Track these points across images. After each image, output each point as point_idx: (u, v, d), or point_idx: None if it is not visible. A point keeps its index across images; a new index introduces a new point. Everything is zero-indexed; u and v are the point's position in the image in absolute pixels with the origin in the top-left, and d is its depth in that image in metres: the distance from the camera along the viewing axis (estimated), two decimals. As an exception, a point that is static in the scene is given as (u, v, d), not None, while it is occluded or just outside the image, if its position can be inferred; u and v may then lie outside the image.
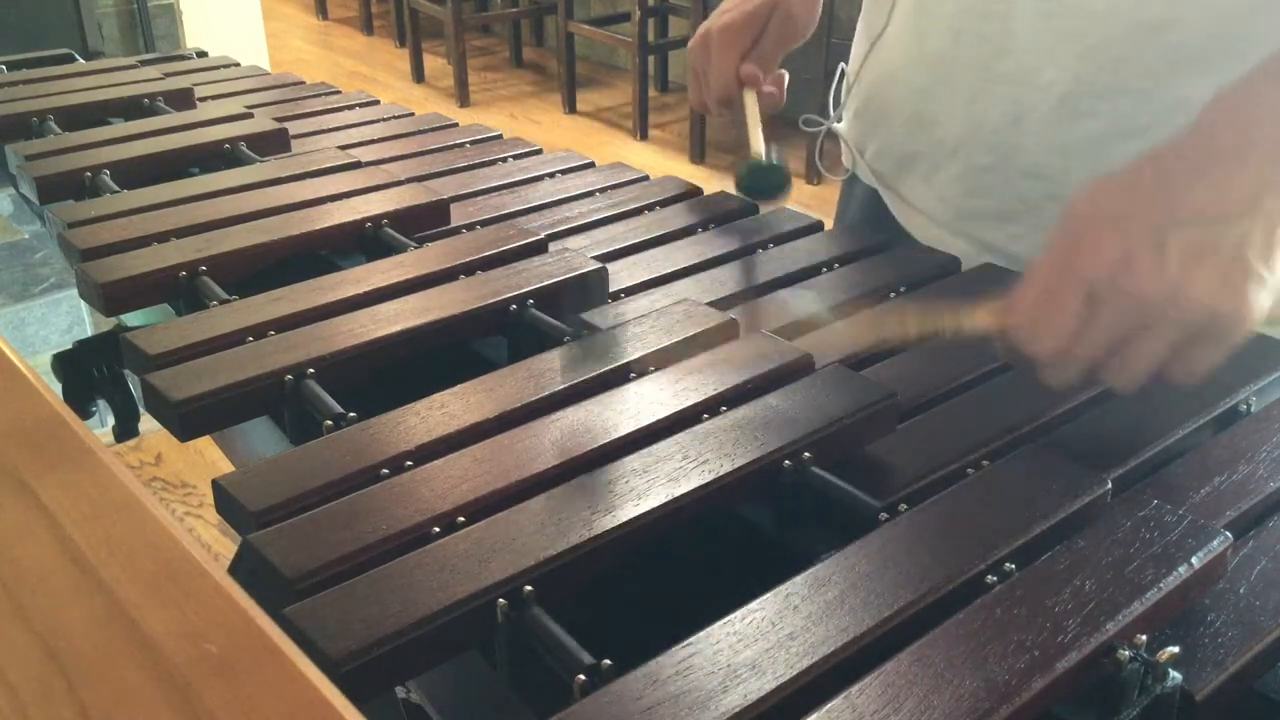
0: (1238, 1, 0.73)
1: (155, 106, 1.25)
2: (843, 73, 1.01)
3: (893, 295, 0.82)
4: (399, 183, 1.00)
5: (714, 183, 1.06)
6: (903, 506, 0.55)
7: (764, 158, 0.95)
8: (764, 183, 0.97)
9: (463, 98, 4.60)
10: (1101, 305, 0.57)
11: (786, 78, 0.99)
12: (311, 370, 0.67)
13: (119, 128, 1.17)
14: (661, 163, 3.93)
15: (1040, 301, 0.59)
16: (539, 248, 0.86)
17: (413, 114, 1.30)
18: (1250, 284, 0.56)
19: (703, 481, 0.55)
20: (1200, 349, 0.58)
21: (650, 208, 1.00)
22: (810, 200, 3.05)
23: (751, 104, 0.95)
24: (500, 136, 1.21)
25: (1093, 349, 0.59)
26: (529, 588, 0.48)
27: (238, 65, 1.53)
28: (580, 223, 0.96)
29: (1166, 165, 0.59)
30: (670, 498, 0.54)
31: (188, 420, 0.65)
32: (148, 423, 0.77)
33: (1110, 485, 0.55)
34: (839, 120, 1.02)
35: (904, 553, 0.50)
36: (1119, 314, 0.57)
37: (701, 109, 1.01)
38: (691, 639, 0.44)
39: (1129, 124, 0.77)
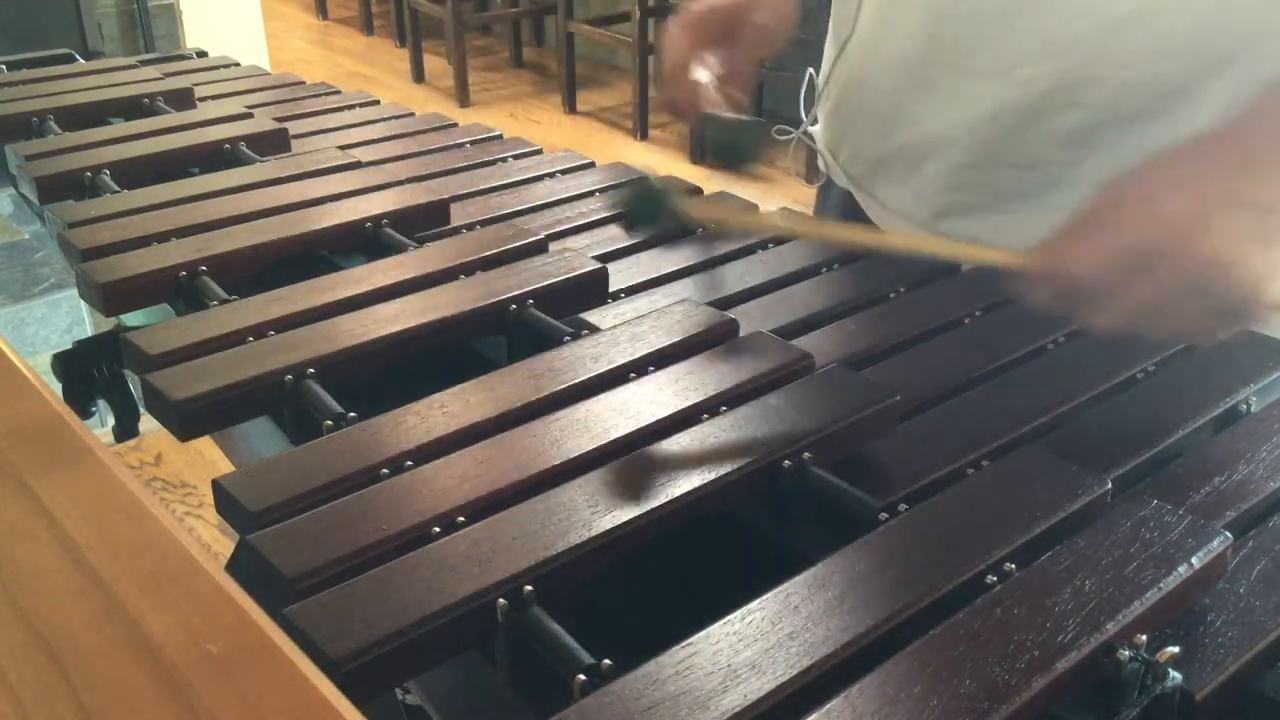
0: None
1: (155, 106, 1.25)
2: (811, 79, 1.01)
3: (892, 295, 0.82)
4: (399, 183, 1.00)
5: (714, 183, 1.06)
6: (903, 506, 0.55)
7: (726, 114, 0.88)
8: (730, 142, 0.90)
9: (463, 98, 4.60)
10: (1153, 266, 0.59)
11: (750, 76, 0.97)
12: (311, 370, 0.67)
13: (119, 128, 1.17)
14: (661, 163, 3.92)
15: (1094, 227, 0.61)
16: (539, 248, 0.86)
17: (413, 114, 1.30)
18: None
19: (703, 481, 0.55)
20: (1222, 320, 0.61)
21: (650, 208, 0.99)
22: (810, 200, 3.04)
23: (709, 96, 0.92)
24: (500, 136, 1.21)
25: (1130, 304, 0.60)
26: (529, 588, 0.48)
27: (238, 65, 1.53)
28: (580, 223, 0.96)
29: (1214, 147, 0.62)
30: (670, 498, 0.54)
31: (188, 420, 0.65)
32: (148, 423, 0.77)
33: (1110, 485, 0.55)
34: (812, 125, 1.02)
35: (904, 553, 0.50)
36: (1167, 276, 0.59)
37: (670, 108, 1.00)
38: (691, 639, 0.44)
39: (1114, 111, 0.77)
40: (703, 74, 0.89)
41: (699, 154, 3.93)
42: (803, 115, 1.02)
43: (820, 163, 1.04)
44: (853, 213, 0.99)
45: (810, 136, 1.02)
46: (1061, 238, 0.62)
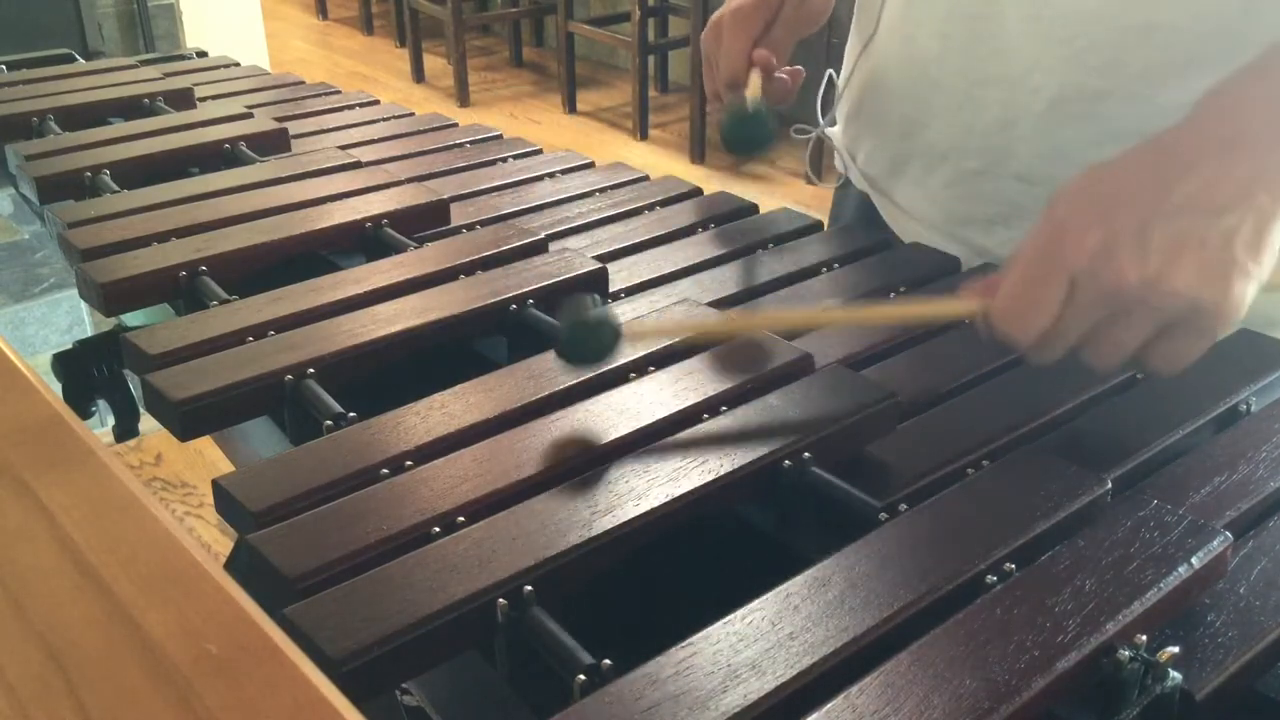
0: (1225, 3, 0.73)
1: (155, 106, 1.25)
2: (830, 79, 1.01)
3: (893, 295, 0.82)
4: (399, 183, 1.00)
5: (714, 183, 1.06)
6: (903, 506, 0.55)
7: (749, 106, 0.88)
8: (746, 132, 0.90)
9: (463, 98, 4.60)
10: (1082, 292, 0.57)
11: (803, 74, 0.97)
12: (311, 370, 0.67)
13: (119, 128, 1.17)
14: (661, 163, 3.93)
15: (1023, 287, 0.59)
16: (539, 248, 0.86)
17: (413, 114, 1.30)
18: (1235, 277, 0.55)
19: (703, 481, 0.55)
20: (1182, 340, 0.58)
21: (650, 208, 1.00)
22: (810, 200, 3.05)
23: (755, 84, 0.92)
24: (500, 136, 1.21)
25: (1072, 334, 0.59)
26: (529, 588, 0.48)
27: (238, 65, 1.53)
28: (580, 223, 0.96)
29: (1156, 157, 0.59)
30: (670, 498, 0.54)
31: (188, 420, 0.65)
32: (148, 423, 0.77)
33: (1110, 485, 0.55)
34: (830, 126, 1.02)
35: (904, 553, 0.50)
36: (1098, 302, 0.57)
37: (713, 98, 0.99)
38: (691, 639, 0.44)
39: (1120, 127, 0.77)
40: (753, 67, 0.89)
41: (699, 154, 3.94)
42: (819, 116, 1.01)
43: (839, 163, 1.04)
44: (869, 214, 0.98)
45: (828, 137, 1.02)
46: (1005, 279, 0.60)
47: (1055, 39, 0.78)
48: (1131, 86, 0.76)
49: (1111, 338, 0.58)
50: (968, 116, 0.85)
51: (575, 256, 0.82)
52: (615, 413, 0.61)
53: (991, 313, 0.61)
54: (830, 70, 1.01)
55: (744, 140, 0.90)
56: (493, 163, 1.12)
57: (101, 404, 0.91)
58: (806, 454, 0.58)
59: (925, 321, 0.75)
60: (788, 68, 0.95)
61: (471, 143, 1.18)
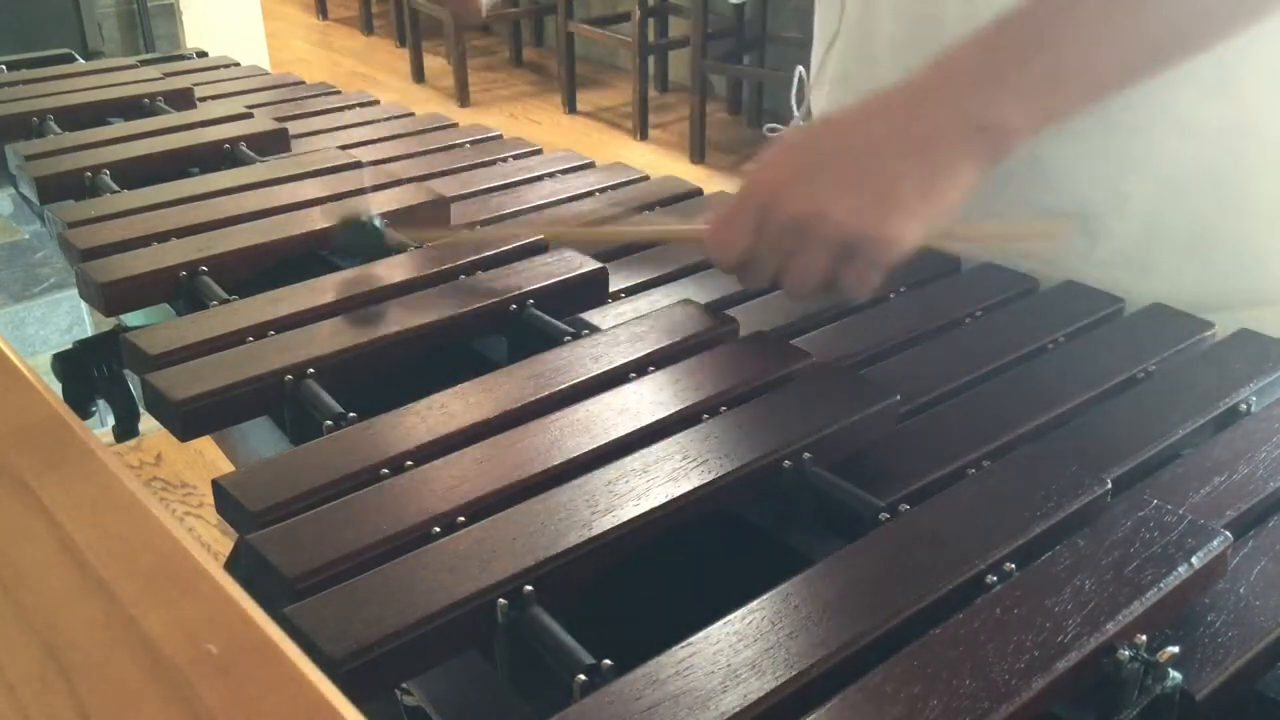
0: None
1: (155, 106, 1.25)
2: (801, 77, 1.02)
3: (892, 295, 0.82)
4: (399, 183, 1.00)
5: (714, 183, 1.07)
6: (903, 506, 0.55)
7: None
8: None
9: (463, 98, 4.60)
10: (768, 223, 0.66)
11: None
12: (311, 370, 0.67)
13: (119, 128, 1.17)
14: (661, 163, 3.92)
15: (724, 216, 0.68)
16: (539, 248, 0.86)
17: (413, 114, 1.30)
18: (894, 213, 0.64)
19: (703, 481, 0.55)
20: (861, 267, 0.66)
21: (650, 208, 1.00)
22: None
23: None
24: (500, 136, 1.21)
25: (767, 261, 0.67)
26: (529, 588, 0.48)
27: (238, 65, 1.53)
28: (580, 223, 0.96)
29: (863, 107, 0.68)
30: (670, 498, 0.54)
31: (188, 420, 0.65)
32: (148, 423, 0.77)
33: (1110, 485, 0.55)
34: (804, 121, 1.02)
35: (904, 553, 0.50)
36: (781, 232, 0.66)
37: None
38: (691, 639, 0.44)
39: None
40: None
41: (699, 154, 3.94)
42: (794, 112, 1.02)
43: None
44: None
45: None
46: (714, 213, 0.70)
47: None
48: None
49: (799, 264, 0.67)
50: None
51: (575, 256, 0.82)
52: (615, 413, 0.61)
53: (704, 238, 0.70)
54: (800, 68, 1.02)
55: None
56: (493, 163, 1.12)
57: (101, 404, 0.91)
58: (806, 454, 0.58)
59: (660, 239, 0.87)
60: None
61: (471, 143, 1.18)
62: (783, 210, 0.65)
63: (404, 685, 0.58)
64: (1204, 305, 0.76)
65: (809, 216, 0.65)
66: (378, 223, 0.84)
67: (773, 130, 1.04)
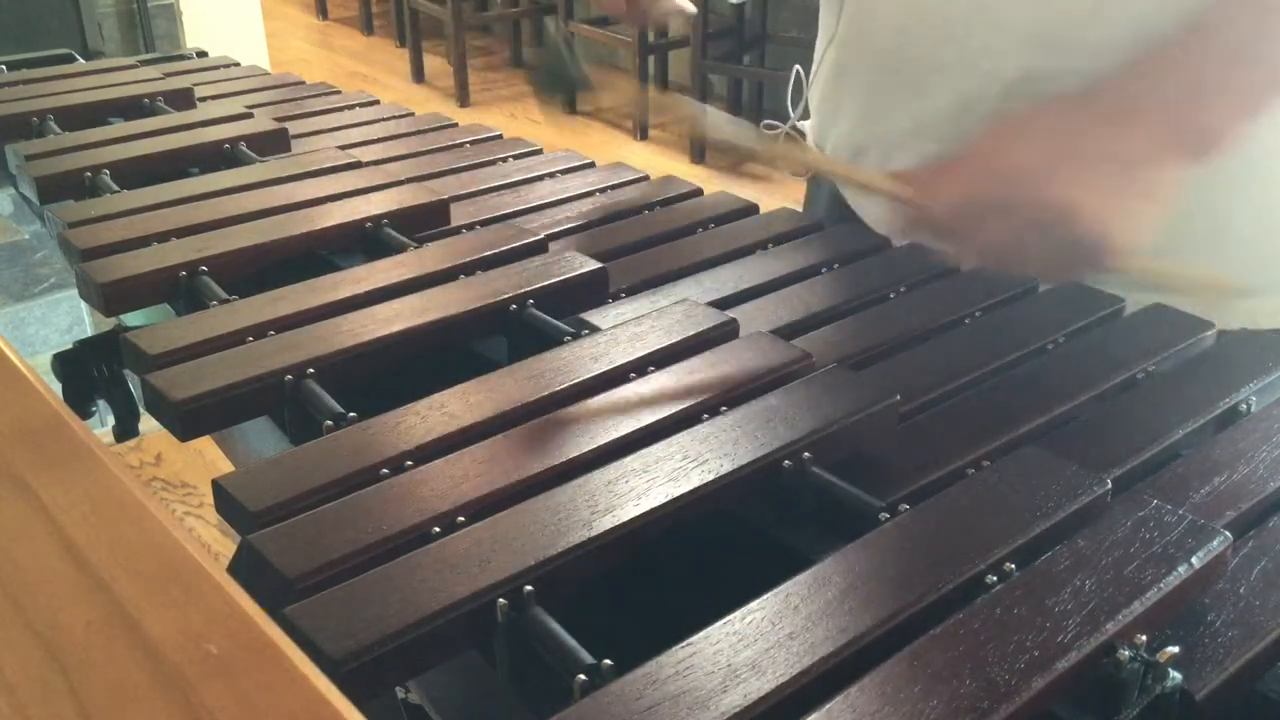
0: None
1: (155, 106, 1.25)
2: (798, 75, 1.02)
3: (892, 295, 0.82)
4: (399, 183, 0.99)
5: (714, 183, 1.07)
6: (903, 506, 0.55)
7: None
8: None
9: (463, 98, 4.60)
10: (1002, 209, 0.67)
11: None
12: (311, 370, 0.67)
13: (119, 128, 1.17)
14: (661, 163, 3.92)
15: (948, 191, 0.70)
16: (539, 248, 0.86)
17: (413, 114, 1.30)
18: (1121, 215, 0.66)
19: (703, 481, 0.55)
20: (1073, 262, 0.69)
21: (650, 208, 1.00)
22: (810, 200, 3.04)
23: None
24: (500, 136, 1.21)
25: (983, 242, 0.69)
26: (529, 588, 0.48)
27: (238, 65, 1.53)
28: (580, 223, 0.96)
29: (1094, 102, 0.69)
30: (670, 498, 0.54)
31: (188, 420, 0.65)
32: (148, 423, 0.77)
33: (1110, 485, 0.55)
34: (800, 119, 1.03)
35: (904, 553, 0.50)
36: (1014, 219, 0.67)
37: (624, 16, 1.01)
38: (691, 639, 0.44)
39: None
40: None
41: (699, 154, 3.94)
42: (790, 111, 1.03)
43: None
44: (840, 205, 0.99)
45: (799, 131, 1.03)
46: (927, 174, 0.72)
47: (1004, 24, 0.79)
48: (1082, 66, 0.76)
49: (1019, 249, 0.68)
50: (925, 104, 0.86)
51: (575, 256, 0.82)
52: (615, 413, 0.61)
53: (920, 199, 0.71)
54: (797, 66, 1.03)
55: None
56: (493, 163, 1.12)
57: (101, 404, 0.91)
58: (806, 454, 0.58)
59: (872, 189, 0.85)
60: None
61: (471, 143, 1.18)
62: (1025, 194, 0.67)
63: (404, 685, 0.58)
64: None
65: (1055, 209, 0.66)
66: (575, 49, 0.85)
67: (769, 128, 1.05)
